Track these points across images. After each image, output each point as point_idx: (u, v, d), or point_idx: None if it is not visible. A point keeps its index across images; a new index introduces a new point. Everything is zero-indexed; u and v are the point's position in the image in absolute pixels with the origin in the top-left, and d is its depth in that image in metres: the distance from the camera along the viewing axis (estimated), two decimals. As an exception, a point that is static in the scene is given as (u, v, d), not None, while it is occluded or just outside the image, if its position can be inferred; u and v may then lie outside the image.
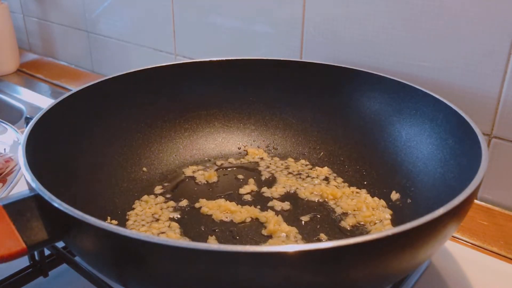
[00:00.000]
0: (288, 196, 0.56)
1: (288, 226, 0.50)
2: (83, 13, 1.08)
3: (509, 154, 0.59)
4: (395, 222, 0.51)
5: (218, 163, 0.63)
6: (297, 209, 0.54)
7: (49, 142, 0.49)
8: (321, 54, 0.72)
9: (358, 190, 0.57)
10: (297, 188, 0.57)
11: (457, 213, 0.36)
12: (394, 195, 0.54)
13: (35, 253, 0.47)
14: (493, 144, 0.60)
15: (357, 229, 0.51)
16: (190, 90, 0.65)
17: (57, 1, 1.13)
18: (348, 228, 0.51)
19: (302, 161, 0.63)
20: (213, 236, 0.50)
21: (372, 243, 0.31)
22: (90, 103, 0.56)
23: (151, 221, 0.52)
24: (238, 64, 0.65)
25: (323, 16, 0.70)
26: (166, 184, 0.58)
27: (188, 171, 0.61)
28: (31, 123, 0.47)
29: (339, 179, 0.59)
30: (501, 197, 0.62)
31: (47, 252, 0.48)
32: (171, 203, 0.55)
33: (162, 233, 0.50)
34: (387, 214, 0.52)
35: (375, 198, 0.55)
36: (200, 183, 0.59)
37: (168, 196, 0.56)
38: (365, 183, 0.58)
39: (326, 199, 0.55)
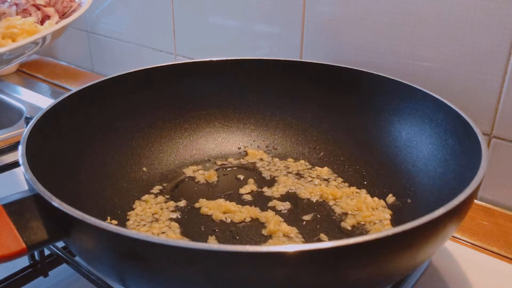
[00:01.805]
0: (288, 196, 0.56)
1: (288, 226, 0.50)
2: (83, 13, 1.07)
3: (509, 154, 0.59)
4: (395, 222, 0.51)
5: (218, 163, 0.63)
6: (297, 209, 0.54)
7: (49, 142, 0.49)
8: (321, 54, 0.72)
9: (358, 190, 0.57)
10: (297, 188, 0.57)
11: (457, 213, 0.36)
12: (390, 199, 0.54)
13: (35, 253, 0.47)
14: (493, 144, 0.60)
15: (357, 229, 0.51)
16: (190, 90, 0.65)
17: (57, 1, 1.13)
18: (349, 228, 0.51)
19: (302, 161, 0.63)
20: (213, 236, 0.50)
21: (372, 243, 0.31)
22: (90, 103, 0.56)
23: (151, 221, 0.52)
24: (238, 64, 0.65)
25: (323, 16, 0.70)
26: (166, 184, 0.58)
27: (188, 171, 0.61)
28: (31, 123, 0.47)
29: (339, 179, 0.59)
30: (501, 197, 0.62)
31: (47, 252, 0.48)
32: (171, 203, 0.55)
33: (162, 233, 0.50)
34: (386, 214, 0.52)
35: (375, 198, 0.55)
36: (200, 183, 0.59)
37: (168, 196, 0.56)
38: (365, 183, 0.58)
39: (326, 199, 0.55)
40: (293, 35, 0.74)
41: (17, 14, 0.53)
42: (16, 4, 0.54)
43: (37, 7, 0.54)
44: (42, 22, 0.54)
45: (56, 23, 0.53)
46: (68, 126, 0.53)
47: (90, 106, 0.56)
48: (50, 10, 0.54)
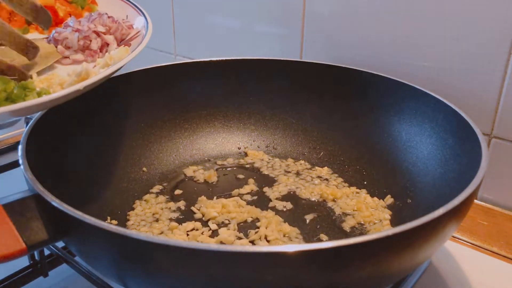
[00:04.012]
0: (288, 196, 0.56)
1: (289, 226, 0.50)
2: (83, 13, 1.07)
3: (509, 154, 0.59)
4: (394, 222, 0.51)
5: (218, 163, 0.63)
6: (297, 209, 0.54)
7: (49, 142, 0.49)
8: (321, 54, 0.72)
9: (358, 190, 0.57)
10: (297, 188, 0.57)
11: (457, 213, 0.36)
12: (390, 199, 0.54)
13: (35, 253, 0.48)
14: (493, 144, 0.60)
15: (357, 229, 0.51)
16: (190, 90, 0.65)
17: (57, 1, 1.13)
18: (348, 228, 0.51)
19: (302, 161, 0.63)
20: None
21: (372, 243, 0.31)
22: (90, 103, 0.56)
23: (152, 221, 0.52)
24: (238, 64, 0.65)
25: (323, 16, 0.70)
26: (166, 184, 0.58)
27: (188, 171, 0.61)
28: (31, 123, 0.47)
29: (339, 179, 0.59)
30: (501, 197, 0.62)
31: (47, 252, 0.48)
32: (171, 203, 0.55)
33: (162, 233, 0.50)
34: (386, 214, 0.52)
35: (375, 198, 0.55)
36: (200, 183, 0.59)
37: (168, 196, 0.56)
38: (365, 183, 0.58)
39: (326, 199, 0.55)
40: (293, 35, 0.74)
41: (78, 41, 0.55)
42: (78, 30, 0.56)
43: (98, 34, 0.56)
44: (101, 49, 0.57)
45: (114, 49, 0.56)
46: (68, 126, 0.53)
47: (90, 106, 0.56)
48: (109, 38, 0.56)
